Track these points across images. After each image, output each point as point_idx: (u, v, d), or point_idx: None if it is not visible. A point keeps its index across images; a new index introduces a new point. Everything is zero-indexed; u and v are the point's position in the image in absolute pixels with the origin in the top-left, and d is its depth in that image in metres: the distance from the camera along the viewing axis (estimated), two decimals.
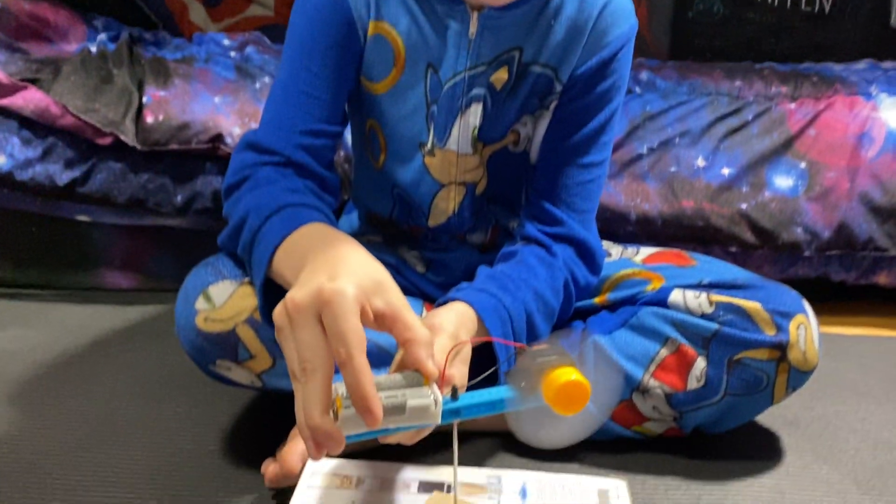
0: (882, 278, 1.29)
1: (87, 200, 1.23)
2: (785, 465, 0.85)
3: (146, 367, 1.04)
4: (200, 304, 0.75)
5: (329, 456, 0.75)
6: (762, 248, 1.25)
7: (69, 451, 0.83)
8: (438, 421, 0.51)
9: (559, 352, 0.53)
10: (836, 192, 1.25)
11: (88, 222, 1.27)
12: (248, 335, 0.74)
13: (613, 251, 0.96)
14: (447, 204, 0.89)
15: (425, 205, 0.89)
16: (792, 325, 0.78)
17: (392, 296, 0.54)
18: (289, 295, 0.53)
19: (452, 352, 0.59)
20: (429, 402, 0.50)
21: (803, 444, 0.89)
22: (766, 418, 0.93)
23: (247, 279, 0.75)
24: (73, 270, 1.30)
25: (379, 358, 0.72)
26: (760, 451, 0.87)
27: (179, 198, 1.23)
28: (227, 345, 0.74)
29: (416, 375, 0.53)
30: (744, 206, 1.25)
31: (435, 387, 0.52)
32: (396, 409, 0.50)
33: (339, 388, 0.51)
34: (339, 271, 0.54)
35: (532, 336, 0.78)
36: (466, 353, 0.64)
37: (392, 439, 0.56)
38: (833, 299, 1.29)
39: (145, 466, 0.81)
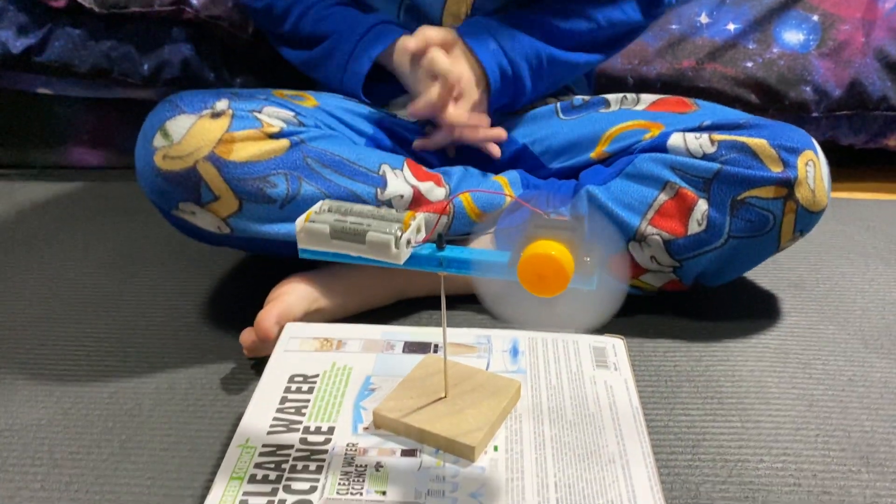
0: (892, 141, 1.22)
1: (47, 71, 1.14)
2: (789, 325, 0.81)
3: (117, 242, 0.99)
4: (158, 141, 0.69)
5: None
6: (767, 111, 1.18)
7: (35, 324, 0.79)
8: (400, 262, 0.47)
9: (570, 225, 0.44)
10: (850, 47, 1.17)
11: (51, 95, 1.19)
12: (210, 173, 0.68)
13: (612, 99, 0.89)
14: (459, 6, 0.84)
15: (437, 7, 0.85)
16: (800, 161, 0.72)
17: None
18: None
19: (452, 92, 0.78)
20: (388, 239, 0.46)
21: (809, 304, 0.85)
22: (769, 280, 0.89)
23: (206, 111, 0.69)
24: (39, 148, 1.23)
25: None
26: (764, 312, 0.83)
27: (146, 66, 1.15)
28: (188, 184, 0.68)
29: (405, 215, 0.48)
30: (749, 64, 1.17)
31: (408, 231, 0.47)
32: (357, 237, 0.47)
33: (324, 204, 0.49)
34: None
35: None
36: (472, 94, 0.78)
37: None
38: (840, 164, 1.23)
39: (117, 339, 0.77)
